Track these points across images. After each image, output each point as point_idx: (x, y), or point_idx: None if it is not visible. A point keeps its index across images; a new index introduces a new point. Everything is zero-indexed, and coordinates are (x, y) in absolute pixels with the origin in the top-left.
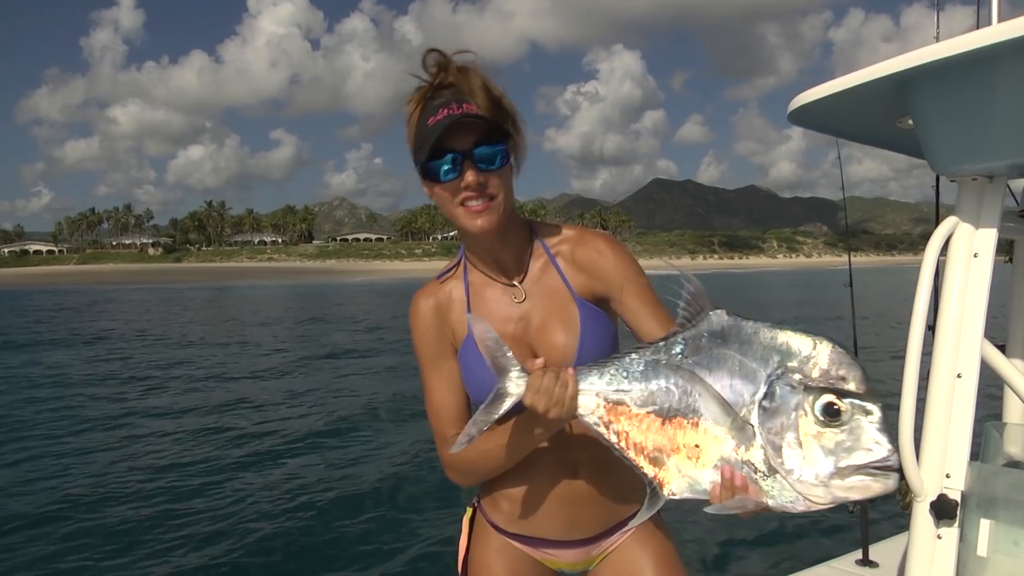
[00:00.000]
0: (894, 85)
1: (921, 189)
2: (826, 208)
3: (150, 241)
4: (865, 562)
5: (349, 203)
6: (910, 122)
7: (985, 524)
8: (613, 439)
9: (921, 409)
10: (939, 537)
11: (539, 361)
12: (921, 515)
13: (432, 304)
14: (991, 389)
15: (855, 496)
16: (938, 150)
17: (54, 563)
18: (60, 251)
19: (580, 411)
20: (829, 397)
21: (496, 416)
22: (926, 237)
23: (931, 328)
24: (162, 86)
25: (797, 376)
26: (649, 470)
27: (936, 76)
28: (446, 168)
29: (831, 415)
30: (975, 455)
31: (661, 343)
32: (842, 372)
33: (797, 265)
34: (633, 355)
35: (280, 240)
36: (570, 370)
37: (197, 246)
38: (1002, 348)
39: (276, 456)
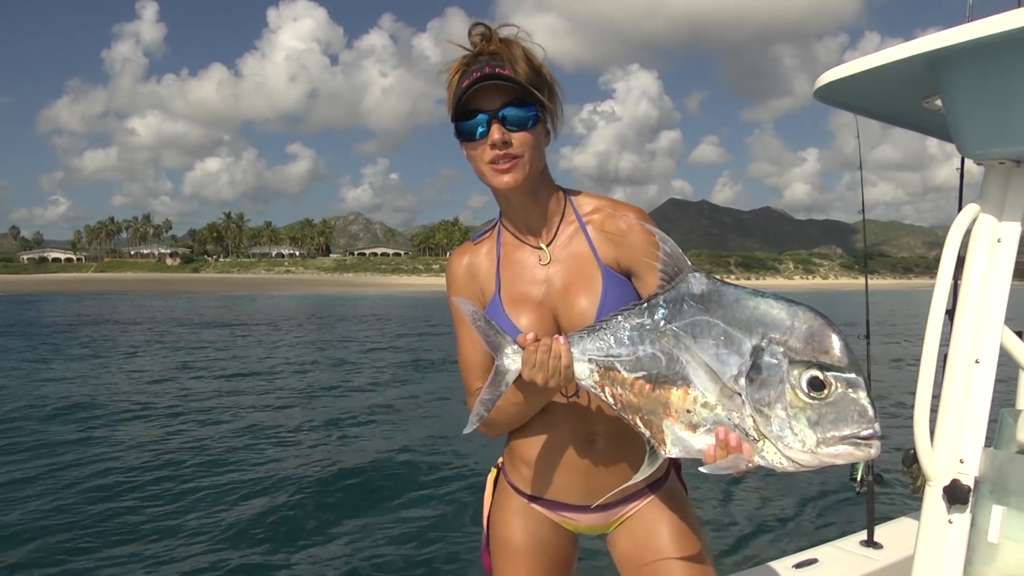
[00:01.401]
0: (925, 64)
1: (935, 213)
2: (841, 231)
3: (168, 251)
4: (870, 543)
5: (364, 218)
6: (937, 103)
7: (997, 510)
8: (610, 401)
9: (937, 394)
10: (950, 522)
11: (530, 336)
12: (933, 499)
13: (466, 263)
14: (1005, 375)
15: (840, 462)
16: (967, 132)
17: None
18: (79, 259)
19: (576, 376)
20: (814, 372)
21: (500, 393)
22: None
23: (949, 313)
24: (181, 99)
25: (781, 349)
26: (644, 430)
27: (968, 56)
28: (477, 127)
29: (816, 388)
30: (989, 441)
31: (644, 305)
32: (824, 345)
33: (814, 287)
34: (619, 318)
35: (298, 253)
36: (561, 340)
37: (215, 257)
38: (1019, 334)
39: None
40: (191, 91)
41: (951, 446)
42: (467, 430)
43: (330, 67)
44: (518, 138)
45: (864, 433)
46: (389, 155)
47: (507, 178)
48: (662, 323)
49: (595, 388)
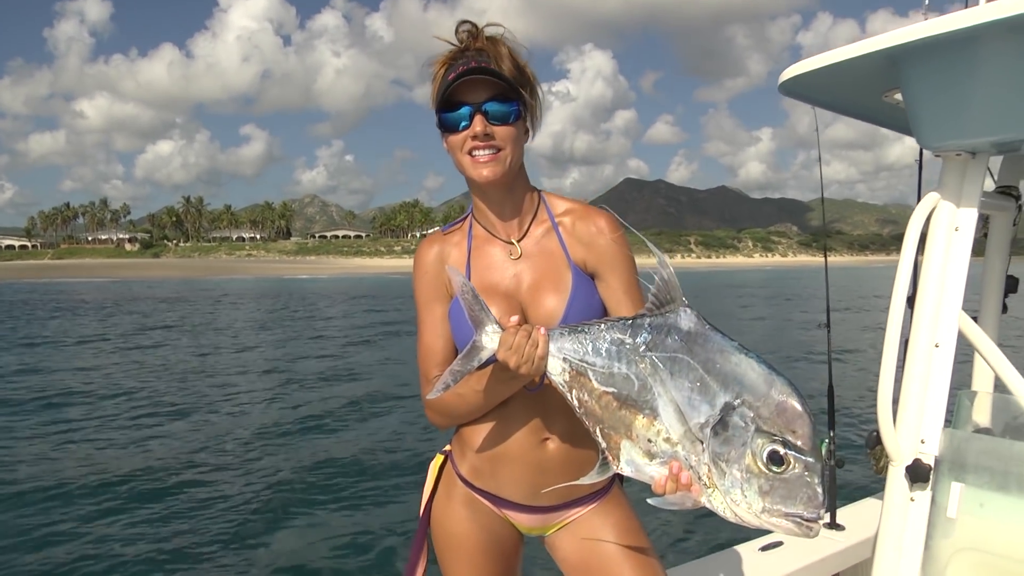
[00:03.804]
0: (885, 60)
1: (888, 191)
2: (796, 209)
3: (127, 237)
4: (833, 525)
5: (320, 200)
6: (897, 96)
7: (956, 487)
8: (574, 404)
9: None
10: (912, 500)
11: (514, 319)
12: (896, 479)
13: (435, 251)
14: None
15: (779, 531)
16: (925, 125)
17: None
18: (34, 246)
19: (548, 370)
20: (777, 447)
21: (471, 368)
22: (896, 238)
23: (909, 300)
24: (131, 80)
25: (751, 414)
26: (601, 440)
27: (926, 52)
28: (459, 120)
29: (775, 462)
30: (948, 423)
31: (629, 322)
32: (793, 424)
33: (773, 264)
34: (602, 327)
35: (259, 236)
36: (542, 330)
37: (175, 242)
38: (975, 319)
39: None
40: (141, 72)
41: (913, 427)
42: (431, 396)
43: (283, 48)
44: (500, 132)
45: (808, 516)
46: (344, 137)
47: (486, 171)
48: (642, 347)
49: (563, 387)
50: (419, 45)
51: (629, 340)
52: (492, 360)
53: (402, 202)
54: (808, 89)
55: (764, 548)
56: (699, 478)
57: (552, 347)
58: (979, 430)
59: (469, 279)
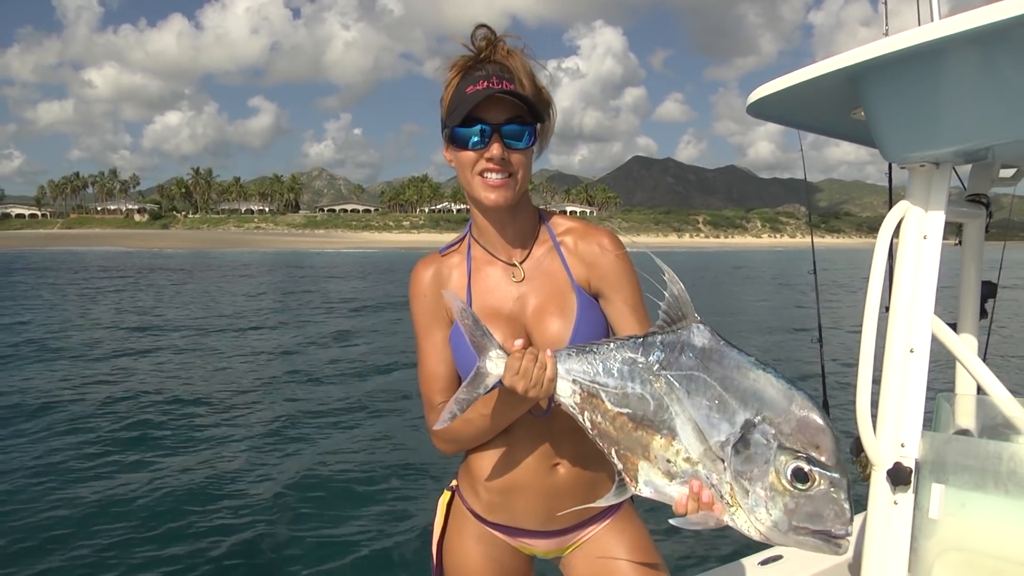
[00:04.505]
0: (846, 78)
1: (897, 173)
2: (803, 189)
3: (136, 207)
4: None
5: (328, 173)
6: (863, 113)
7: (937, 488)
8: (587, 426)
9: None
10: (895, 503)
11: (519, 343)
12: (878, 483)
13: (432, 273)
14: (943, 363)
15: (805, 549)
16: (888, 139)
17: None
18: (43, 215)
19: (558, 393)
20: (801, 463)
21: (476, 396)
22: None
23: (886, 308)
24: (140, 50)
25: (772, 431)
26: (617, 462)
27: (884, 69)
28: (474, 138)
29: (800, 479)
30: (928, 425)
31: (639, 340)
32: (817, 439)
33: (781, 245)
34: (613, 348)
35: (267, 209)
36: (549, 352)
37: (184, 213)
38: (953, 326)
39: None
40: (150, 42)
41: (892, 432)
42: (438, 426)
43: (292, 20)
44: (515, 157)
45: (837, 532)
46: (352, 110)
47: (497, 196)
48: (656, 366)
49: (573, 409)
50: (428, 20)
51: (642, 359)
52: (498, 385)
53: (411, 177)
54: (775, 110)
55: (764, 562)
56: (721, 497)
57: (560, 369)
58: (959, 432)
59: (470, 303)
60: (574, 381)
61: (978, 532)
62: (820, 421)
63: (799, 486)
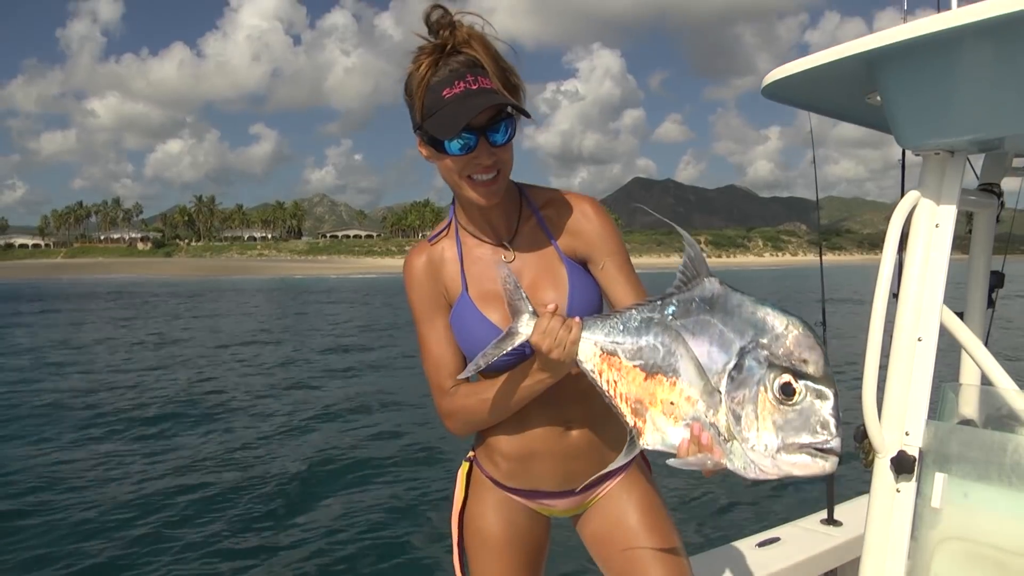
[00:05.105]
0: (863, 63)
1: (896, 189)
2: (804, 207)
3: (139, 236)
4: (830, 521)
5: (329, 199)
6: (879, 98)
7: (939, 478)
8: (604, 387)
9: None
10: (898, 491)
11: (551, 306)
12: (882, 470)
13: (424, 261)
14: (949, 353)
15: (797, 472)
16: (903, 126)
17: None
18: (47, 244)
19: (579, 356)
20: (787, 377)
21: (505, 350)
22: (905, 237)
23: (895, 295)
24: (141, 79)
25: (765, 352)
26: (630, 419)
27: (902, 56)
28: (459, 144)
29: (786, 394)
30: (933, 415)
31: (658, 301)
32: (805, 354)
33: (783, 263)
34: (632, 311)
35: (270, 236)
36: (576, 318)
37: (187, 241)
38: (960, 315)
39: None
40: (151, 71)
41: (897, 420)
42: (463, 375)
43: (292, 47)
44: (502, 154)
45: (822, 445)
46: (352, 135)
47: (489, 196)
48: (669, 319)
49: (593, 372)
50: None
51: (657, 315)
52: (520, 353)
53: (413, 202)
54: (790, 92)
55: (761, 544)
56: (718, 434)
57: (584, 332)
58: (964, 422)
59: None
60: (595, 343)
61: (980, 522)
62: (812, 339)
63: (786, 400)
